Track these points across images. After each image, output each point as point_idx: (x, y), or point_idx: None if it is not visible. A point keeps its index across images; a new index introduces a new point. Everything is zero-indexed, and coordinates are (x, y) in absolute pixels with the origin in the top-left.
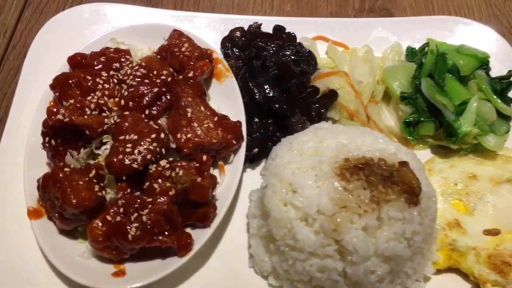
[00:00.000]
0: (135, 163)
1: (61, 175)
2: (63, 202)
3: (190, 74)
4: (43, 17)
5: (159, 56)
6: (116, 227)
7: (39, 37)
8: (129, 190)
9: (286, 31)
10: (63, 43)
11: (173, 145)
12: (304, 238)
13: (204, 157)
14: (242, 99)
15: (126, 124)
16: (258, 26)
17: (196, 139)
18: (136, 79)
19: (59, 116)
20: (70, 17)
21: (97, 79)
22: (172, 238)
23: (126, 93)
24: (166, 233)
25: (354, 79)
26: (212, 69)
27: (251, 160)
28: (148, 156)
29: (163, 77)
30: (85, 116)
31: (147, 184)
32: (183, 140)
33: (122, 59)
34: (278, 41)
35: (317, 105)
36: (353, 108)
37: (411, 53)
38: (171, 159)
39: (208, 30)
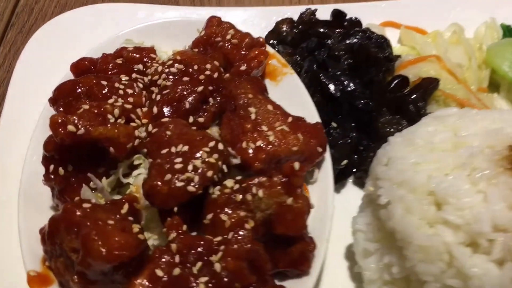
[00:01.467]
0: (192, 185)
1: (79, 213)
2: (87, 254)
3: (243, 67)
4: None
5: (196, 50)
6: (173, 285)
7: (25, 54)
8: (185, 227)
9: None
10: (57, 54)
11: (235, 160)
12: (480, 274)
13: (297, 165)
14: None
15: (168, 132)
16: (313, 12)
17: (269, 147)
18: (171, 77)
19: (70, 128)
20: (60, 25)
21: (116, 84)
22: None
23: (158, 97)
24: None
25: (451, 63)
26: (264, 67)
27: (337, 178)
28: (209, 173)
29: (207, 73)
30: (108, 126)
31: (209, 216)
32: (250, 150)
33: (146, 59)
34: (339, 29)
35: (412, 99)
36: (462, 96)
37: (507, 31)
38: (238, 177)
39: (241, 26)
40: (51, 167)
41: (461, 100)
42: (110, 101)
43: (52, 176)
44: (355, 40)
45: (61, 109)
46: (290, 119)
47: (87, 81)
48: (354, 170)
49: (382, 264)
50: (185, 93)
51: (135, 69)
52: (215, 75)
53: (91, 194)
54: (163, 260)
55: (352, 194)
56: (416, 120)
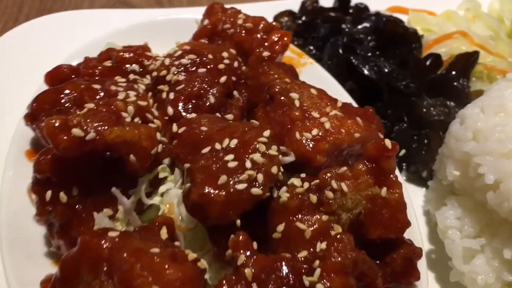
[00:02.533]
0: (256, 185)
1: (107, 244)
2: None
3: (266, 53)
4: None
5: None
6: None
7: None
8: (255, 244)
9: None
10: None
11: (288, 158)
12: None
13: (388, 142)
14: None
15: (204, 128)
16: (315, 0)
17: (329, 136)
18: (183, 70)
19: (76, 132)
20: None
21: (112, 87)
22: None
23: (171, 95)
24: None
25: (480, 37)
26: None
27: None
28: (274, 170)
29: (226, 61)
30: (127, 128)
31: (280, 228)
32: (307, 141)
33: (141, 59)
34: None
35: (454, 77)
36: (505, 67)
37: None
38: (303, 175)
39: None
40: (48, 194)
41: (506, 70)
42: (120, 96)
43: (50, 208)
44: (367, 24)
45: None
46: (339, 103)
47: (75, 87)
48: (405, 166)
49: (498, 262)
50: (205, 86)
51: (130, 70)
52: (235, 64)
53: (109, 222)
54: None
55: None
56: (465, 100)
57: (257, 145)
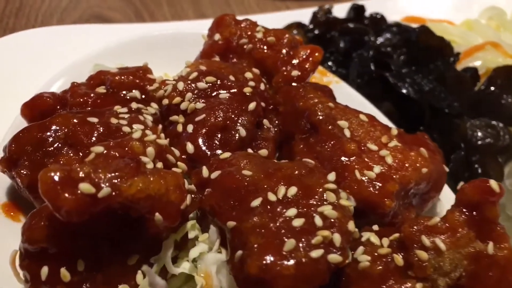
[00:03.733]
0: (334, 251)
1: None
2: None
3: (295, 72)
4: None
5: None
6: None
7: None
8: None
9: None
10: None
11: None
12: None
13: (494, 184)
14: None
15: (247, 172)
16: (328, 10)
17: (395, 175)
18: (201, 96)
19: (84, 188)
20: None
21: (113, 120)
22: None
23: (189, 128)
24: None
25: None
26: None
27: None
28: (350, 226)
29: (251, 84)
30: (150, 177)
31: None
32: (371, 183)
33: (143, 83)
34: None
35: (496, 93)
36: None
37: None
38: (375, 227)
39: None
40: (44, 272)
41: None
42: (136, 135)
43: None
44: (388, 35)
45: (24, 173)
46: (394, 131)
47: (64, 121)
48: None
49: None
50: (232, 115)
51: (130, 98)
52: (261, 86)
53: None
54: None
55: None
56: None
57: (324, 194)
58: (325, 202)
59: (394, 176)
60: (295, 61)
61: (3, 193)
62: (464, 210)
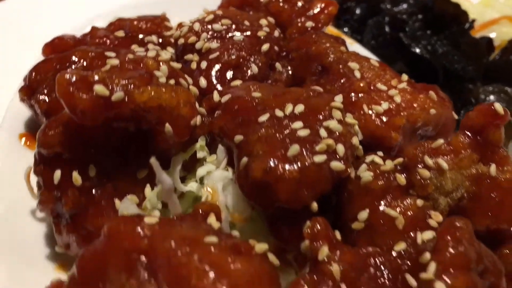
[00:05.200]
0: (338, 158)
1: (145, 232)
2: None
3: (309, 23)
4: None
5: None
6: None
7: None
8: (338, 234)
9: None
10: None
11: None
12: None
13: (498, 106)
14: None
15: (256, 94)
16: None
17: (403, 111)
18: (217, 37)
19: (99, 89)
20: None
21: (130, 56)
22: None
23: (203, 65)
24: None
25: None
26: None
27: None
28: (355, 140)
29: (266, 29)
30: (163, 89)
31: (363, 215)
32: (378, 117)
33: (160, 30)
34: None
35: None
36: None
37: None
38: (380, 153)
39: None
40: (56, 175)
41: None
42: (150, 53)
43: (59, 194)
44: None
45: (44, 99)
46: (405, 77)
47: (83, 54)
48: None
49: None
50: (245, 54)
51: (147, 41)
52: (275, 33)
53: (137, 210)
54: None
55: None
56: None
57: (331, 111)
58: (330, 118)
59: (402, 113)
60: (309, 13)
61: (22, 124)
62: (468, 133)
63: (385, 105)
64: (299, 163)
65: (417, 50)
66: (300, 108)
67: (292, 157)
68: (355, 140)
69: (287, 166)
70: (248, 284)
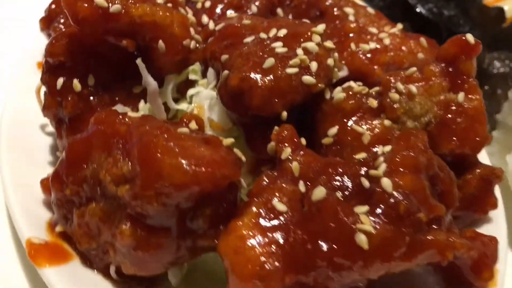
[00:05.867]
0: (309, 74)
1: (126, 121)
2: (153, 175)
3: None
4: None
5: None
6: (309, 222)
7: None
8: (303, 140)
9: None
10: None
11: (342, 73)
12: None
13: (470, 37)
14: None
15: (246, 21)
16: None
17: (389, 52)
18: None
19: (99, 1)
20: None
21: None
22: (460, 237)
23: (207, 4)
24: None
25: None
26: None
27: None
28: (330, 61)
29: None
30: (157, 8)
31: (332, 131)
32: (364, 53)
33: None
34: None
35: None
36: None
37: None
38: (359, 83)
39: None
40: (59, 82)
41: None
42: None
43: (60, 99)
44: None
45: (61, 27)
46: (400, 26)
47: None
48: None
49: None
50: None
51: None
52: None
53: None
54: (283, 187)
55: None
56: None
57: (311, 36)
58: (309, 41)
59: (388, 53)
60: None
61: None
62: (442, 64)
63: (372, 45)
64: (272, 74)
65: (423, 11)
66: (283, 31)
67: (267, 69)
68: (330, 61)
69: (260, 75)
70: (209, 164)
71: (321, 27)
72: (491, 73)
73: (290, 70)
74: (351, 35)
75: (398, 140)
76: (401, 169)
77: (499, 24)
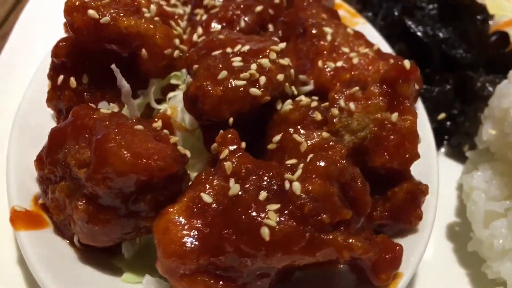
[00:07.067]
0: (256, 87)
1: (95, 116)
2: (102, 161)
3: None
4: None
5: None
6: (227, 216)
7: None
8: (243, 144)
9: None
10: None
11: (307, 88)
12: None
13: (407, 63)
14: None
15: (221, 36)
16: None
17: (354, 71)
18: None
19: (91, 13)
20: None
21: None
22: (362, 239)
23: (204, 17)
24: (344, 227)
25: None
26: None
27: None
28: (280, 77)
29: None
30: (142, 20)
31: (277, 138)
32: (329, 70)
33: None
34: None
35: None
36: None
37: None
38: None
39: None
40: (60, 78)
41: None
42: None
43: (59, 93)
44: None
45: None
46: (376, 47)
47: None
48: (446, 138)
49: None
50: (239, 12)
51: None
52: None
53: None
54: (214, 182)
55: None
56: None
57: (269, 52)
58: (266, 56)
59: (352, 71)
60: None
61: None
62: (383, 86)
63: (339, 63)
64: (223, 85)
65: (418, 33)
66: (246, 48)
67: (220, 79)
68: (280, 77)
69: (213, 85)
70: (148, 157)
71: (281, 46)
72: (480, 95)
73: (238, 82)
74: (324, 53)
75: (320, 150)
76: (313, 176)
77: (501, 48)
